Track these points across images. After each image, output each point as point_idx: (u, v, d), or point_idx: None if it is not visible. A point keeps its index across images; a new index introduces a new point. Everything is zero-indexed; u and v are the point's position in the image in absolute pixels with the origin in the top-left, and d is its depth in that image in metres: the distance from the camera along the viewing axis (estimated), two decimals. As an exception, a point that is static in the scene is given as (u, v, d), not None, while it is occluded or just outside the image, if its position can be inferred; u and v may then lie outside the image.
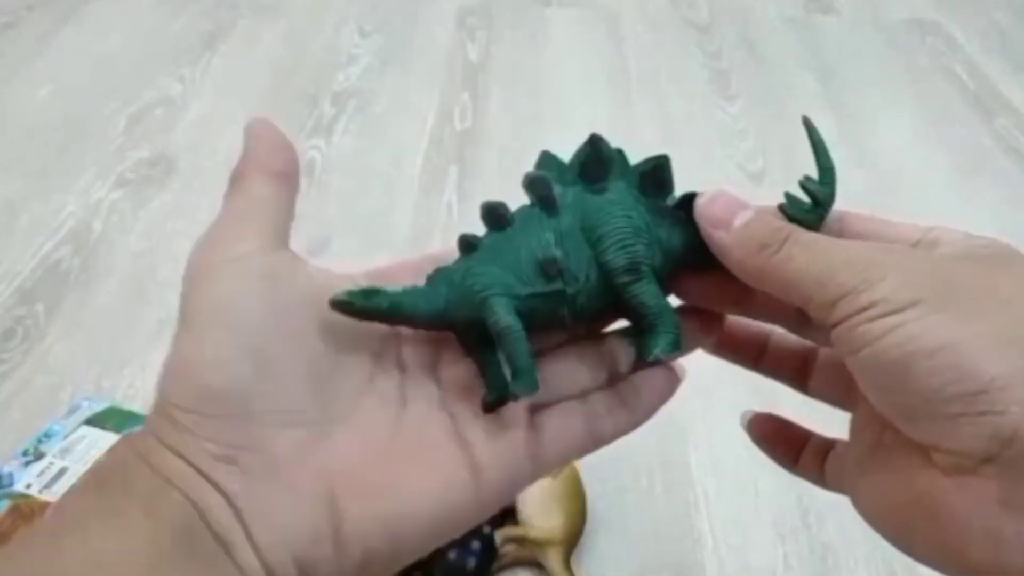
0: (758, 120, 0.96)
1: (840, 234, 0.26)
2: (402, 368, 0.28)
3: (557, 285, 0.26)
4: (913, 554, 0.23)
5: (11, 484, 0.54)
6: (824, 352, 0.30)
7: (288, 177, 0.27)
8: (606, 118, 0.95)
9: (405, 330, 0.28)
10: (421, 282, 0.27)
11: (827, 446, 0.30)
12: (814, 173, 0.27)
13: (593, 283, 0.26)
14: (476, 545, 0.51)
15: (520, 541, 0.52)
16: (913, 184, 0.86)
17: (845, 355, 0.23)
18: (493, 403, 0.26)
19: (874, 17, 1.21)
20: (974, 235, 0.25)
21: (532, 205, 0.27)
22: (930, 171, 0.89)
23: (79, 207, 0.82)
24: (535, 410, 0.27)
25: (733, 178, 0.84)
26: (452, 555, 0.50)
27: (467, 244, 0.27)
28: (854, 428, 0.27)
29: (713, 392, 0.63)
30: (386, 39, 1.12)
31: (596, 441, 0.28)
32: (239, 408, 0.23)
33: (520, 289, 0.26)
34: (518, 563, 0.53)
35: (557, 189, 0.27)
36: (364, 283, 0.27)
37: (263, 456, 0.23)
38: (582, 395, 0.28)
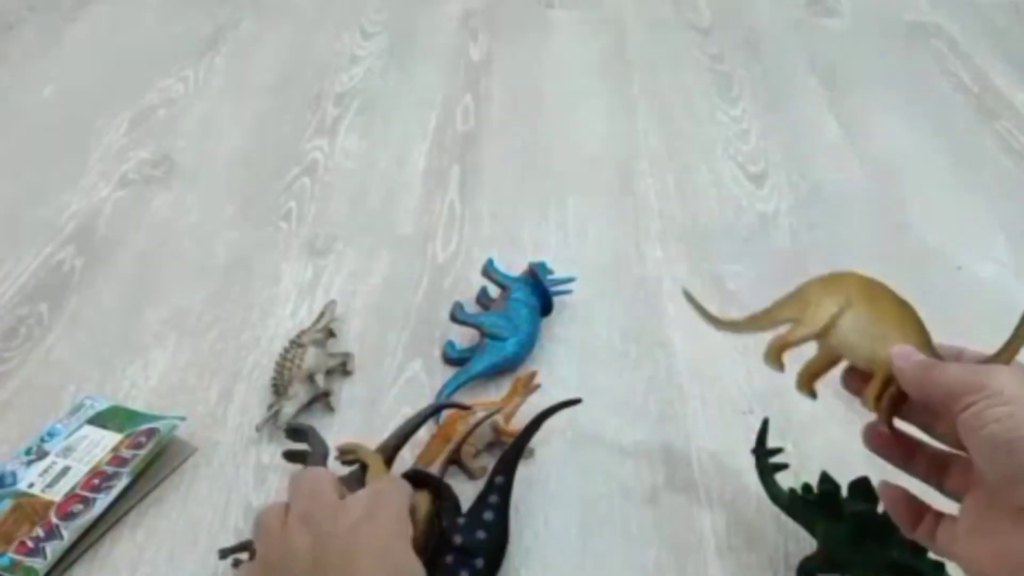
0: (760, 122, 0.96)
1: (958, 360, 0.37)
2: None
3: None
4: None
5: (14, 483, 0.54)
6: (958, 460, 0.39)
7: None
8: (608, 120, 0.95)
9: None
10: None
11: (938, 517, 0.38)
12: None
13: None
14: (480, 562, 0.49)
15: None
16: (914, 185, 0.86)
17: (968, 436, 0.33)
18: None
19: (876, 19, 1.22)
20: None
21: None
22: (931, 172, 0.90)
23: (82, 207, 0.82)
24: None
25: (735, 179, 0.83)
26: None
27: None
28: (967, 507, 0.36)
29: (715, 392, 0.63)
30: (389, 40, 1.13)
31: None
32: None
33: None
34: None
35: None
36: None
37: None
38: None
